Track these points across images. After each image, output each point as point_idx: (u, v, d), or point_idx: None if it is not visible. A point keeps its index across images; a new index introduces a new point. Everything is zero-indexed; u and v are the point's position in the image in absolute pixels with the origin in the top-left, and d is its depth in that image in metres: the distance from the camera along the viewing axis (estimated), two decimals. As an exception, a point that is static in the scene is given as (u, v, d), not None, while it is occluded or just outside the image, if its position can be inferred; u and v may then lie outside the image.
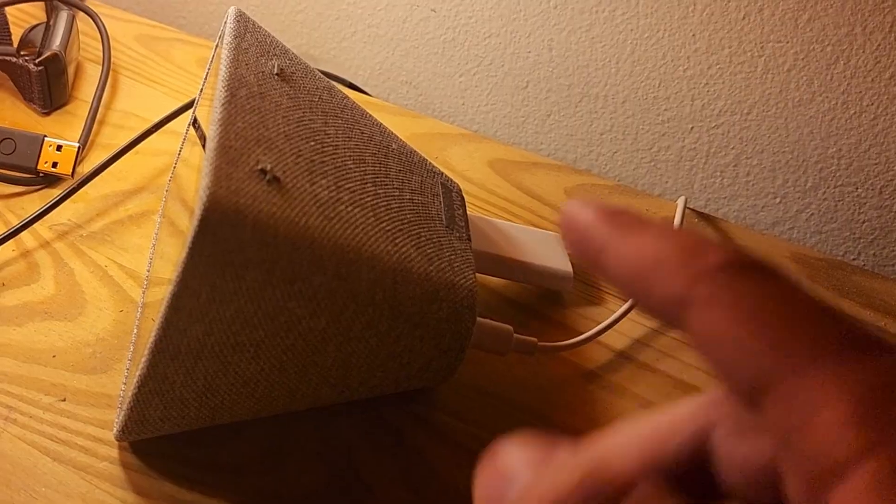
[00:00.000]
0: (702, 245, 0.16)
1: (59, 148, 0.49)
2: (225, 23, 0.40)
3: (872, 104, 0.55)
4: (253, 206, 0.31)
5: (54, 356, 0.40)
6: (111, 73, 0.60)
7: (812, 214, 0.60)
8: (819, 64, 0.55)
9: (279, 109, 0.36)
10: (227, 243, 0.30)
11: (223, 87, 0.35)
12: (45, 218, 0.45)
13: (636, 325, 0.45)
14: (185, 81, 0.60)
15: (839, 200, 0.59)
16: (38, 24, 0.57)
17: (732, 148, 0.60)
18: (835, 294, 0.49)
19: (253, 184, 0.32)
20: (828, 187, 0.59)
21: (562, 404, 0.41)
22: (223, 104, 0.34)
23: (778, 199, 0.61)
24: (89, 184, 0.48)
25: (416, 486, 0.37)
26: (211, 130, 0.33)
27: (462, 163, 0.56)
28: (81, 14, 0.61)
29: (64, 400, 0.38)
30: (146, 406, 0.34)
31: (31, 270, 0.44)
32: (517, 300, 0.46)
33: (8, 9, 0.58)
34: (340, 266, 0.33)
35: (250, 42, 0.39)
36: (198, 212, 0.30)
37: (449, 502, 0.36)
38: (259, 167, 0.32)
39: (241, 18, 0.41)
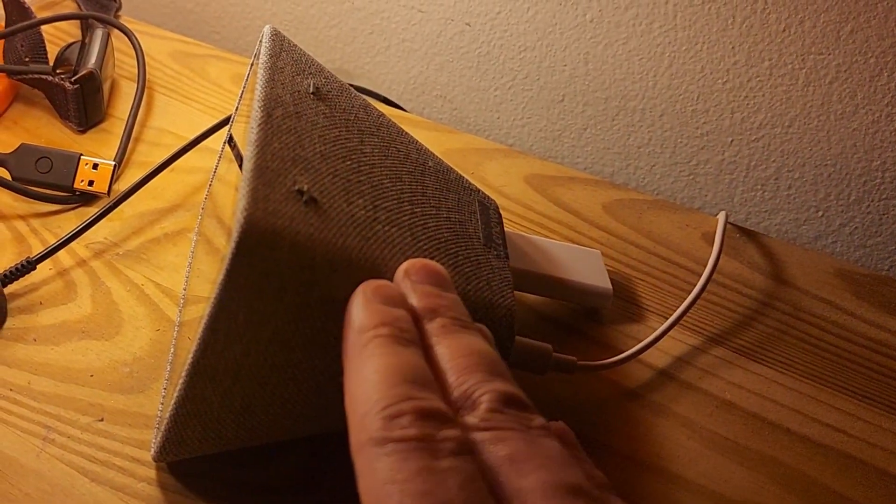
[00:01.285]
0: None
1: (95, 166, 0.49)
2: (260, 41, 0.40)
3: (917, 116, 0.54)
4: (290, 228, 0.31)
5: (92, 376, 0.39)
6: (146, 90, 0.60)
7: (856, 228, 0.59)
8: (862, 76, 0.54)
9: (315, 129, 0.36)
10: (264, 265, 0.30)
11: (259, 108, 0.35)
12: (81, 236, 0.45)
13: (677, 343, 0.45)
14: (220, 98, 0.60)
15: (884, 213, 0.58)
16: (73, 42, 0.57)
17: (773, 161, 0.59)
18: (882, 311, 0.48)
19: (290, 205, 0.31)
20: (872, 200, 0.58)
21: (602, 424, 0.40)
22: (259, 124, 0.34)
23: (820, 213, 0.60)
24: (125, 202, 0.48)
25: (454, 509, 0.36)
26: (248, 151, 0.33)
27: (498, 178, 0.55)
28: (116, 32, 0.61)
29: (102, 420, 0.38)
30: (184, 427, 0.33)
31: (68, 289, 0.44)
32: (556, 318, 0.45)
33: (44, 27, 0.59)
34: (378, 287, 0.32)
35: (286, 61, 0.39)
36: (235, 234, 0.29)
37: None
38: (296, 188, 0.32)
39: (277, 37, 0.41)
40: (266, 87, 0.36)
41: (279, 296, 0.31)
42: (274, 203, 0.31)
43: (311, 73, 0.40)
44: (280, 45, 0.40)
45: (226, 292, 0.30)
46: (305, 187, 0.32)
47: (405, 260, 0.34)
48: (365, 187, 0.36)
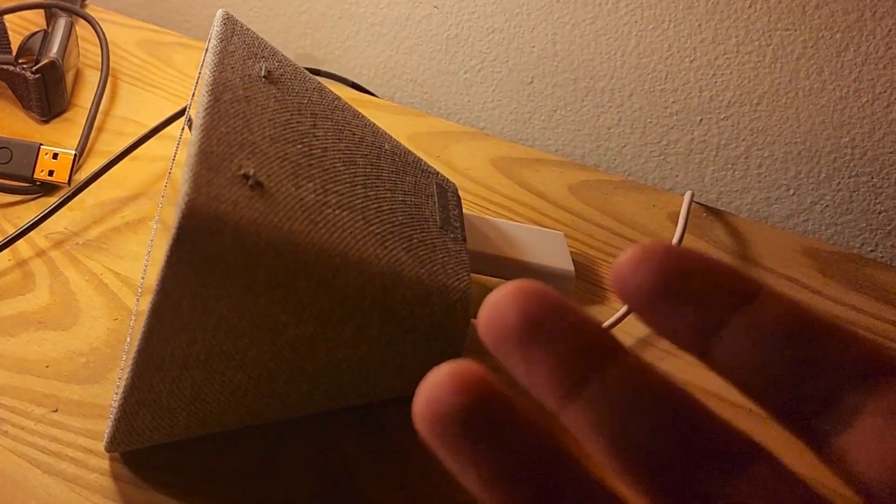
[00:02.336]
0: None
1: (55, 156, 0.49)
2: (213, 26, 0.40)
3: (885, 91, 0.53)
4: (233, 213, 0.30)
5: (47, 366, 0.39)
6: (111, 79, 0.59)
7: (827, 206, 0.59)
8: (829, 51, 0.53)
9: (265, 112, 0.36)
10: (206, 250, 0.30)
11: (207, 92, 0.34)
12: (41, 227, 0.45)
13: (639, 325, 0.44)
14: (186, 86, 0.59)
15: (854, 191, 0.58)
16: (36, 32, 0.57)
17: (743, 140, 0.59)
18: (847, 288, 0.48)
19: (234, 189, 0.31)
20: (842, 178, 0.57)
21: (562, 407, 0.40)
22: (206, 109, 0.33)
23: (791, 191, 0.59)
24: (86, 191, 0.47)
25: (412, 494, 0.36)
26: (193, 136, 0.32)
27: (464, 161, 0.55)
28: (82, 21, 0.60)
29: (56, 411, 0.37)
30: (134, 417, 0.33)
31: (27, 280, 0.43)
32: (517, 301, 0.45)
33: (7, 17, 0.58)
34: (326, 271, 0.32)
35: (237, 45, 0.39)
36: (176, 219, 0.29)
37: (445, 510, 0.36)
38: (241, 172, 0.32)
39: (229, 21, 0.40)
40: (215, 70, 0.36)
41: (223, 281, 0.30)
42: (217, 188, 0.31)
43: (263, 57, 0.39)
44: (232, 28, 0.40)
45: (169, 279, 0.30)
46: (251, 171, 0.32)
47: (356, 244, 0.34)
48: (315, 171, 0.35)
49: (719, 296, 0.16)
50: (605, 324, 0.42)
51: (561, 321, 0.16)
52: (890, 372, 0.15)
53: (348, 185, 0.36)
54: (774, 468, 0.16)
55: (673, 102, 0.59)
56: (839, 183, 0.58)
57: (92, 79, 0.59)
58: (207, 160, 0.31)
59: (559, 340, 0.16)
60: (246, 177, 0.32)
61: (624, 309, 0.43)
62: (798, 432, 0.16)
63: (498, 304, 0.16)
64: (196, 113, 0.34)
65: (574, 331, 0.16)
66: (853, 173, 0.57)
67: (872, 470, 0.15)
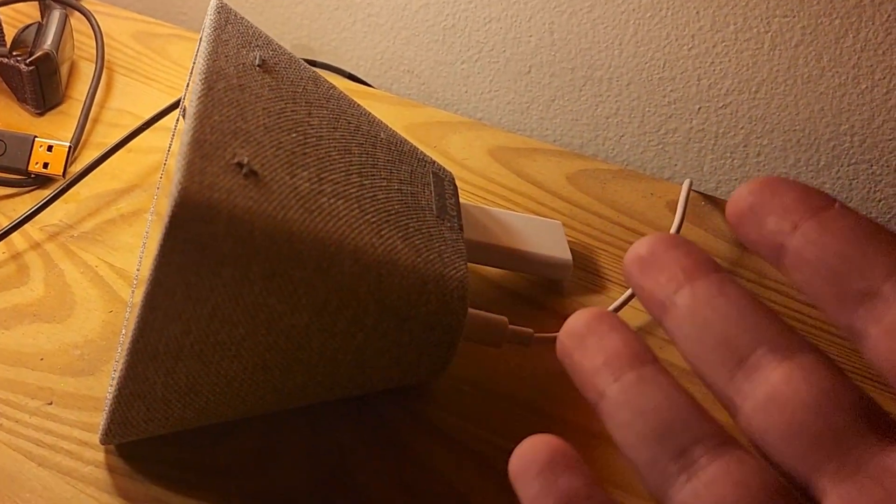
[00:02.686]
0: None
1: (49, 148, 0.48)
2: (206, 15, 0.39)
3: (885, 78, 0.53)
4: (227, 201, 0.30)
5: (42, 359, 0.39)
6: (106, 71, 0.59)
7: (826, 194, 0.59)
8: (828, 38, 0.53)
9: (259, 101, 0.35)
10: (200, 239, 0.29)
11: (200, 81, 0.34)
12: (35, 219, 0.45)
13: (638, 314, 0.44)
14: (181, 77, 0.59)
15: (853, 179, 0.57)
16: (30, 24, 0.57)
17: (742, 128, 0.59)
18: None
19: (228, 178, 0.31)
20: (841, 165, 0.57)
21: (560, 397, 0.40)
22: (199, 97, 0.33)
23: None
24: (81, 183, 0.47)
25: (409, 484, 0.36)
26: (186, 125, 0.32)
27: (462, 151, 0.54)
28: (77, 13, 0.60)
29: (51, 403, 0.37)
30: (128, 408, 0.33)
31: (21, 272, 0.43)
32: (514, 290, 0.45)
33: (1, 9, 0.58)
34: (321, 260, 0.32)
35: (231, 33, 0.38)
36: (169, 208, 0.29)
37: (444, 500, 0.35)
38: (235, 161, 0.32)
39: (223, 10, 0.40)
40: (209, 59, 0.36)
41: (217, 271, 0.30)
42: (211, 176, 0.30)
43: (257, 46, 0.39)
44: (226, 17, 0.39)
45: (162, 268, 0.29)
46: (245, 160, 0.32)
47: (351, 233, 0.33)
48: (310, 160, 0.35)
49: (796, 207, 0.18)
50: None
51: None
52: None
53: (343, 173, 0.36)
54: (819, 359, 0.18)
55: (671, 91, 0.59)
56: (838, 171, 0.57)
57: (87, 71, 0.59)
58: (201, 148, 0.31)
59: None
60: (240, 165, 0.31)
61: (624, 296, 0.43)
62: (843, 325, 0.18)
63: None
64: (190, 101, 0.34)
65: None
66: (852, 161, 0.56)
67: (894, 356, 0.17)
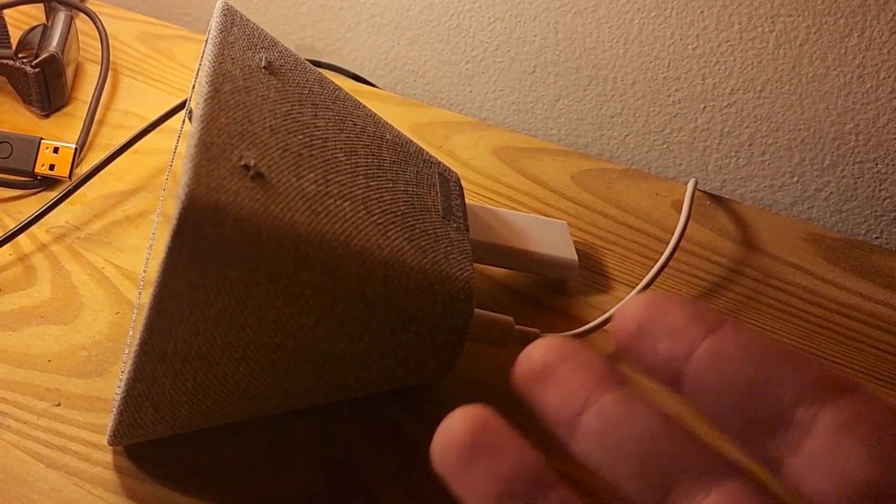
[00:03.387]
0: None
1: (55, 150, 0.48)
2: (212, 17, 0.40)
3: (890, 77, 0.53)
4: (234, 203, 0.30)
5: (49, 361, 0.39)
6: (112, 73, 0.59)
7: (831, 193, 0.59)
8: (832, 37, 0.53)
9: (266, 103, 0.35)
10: (207, 242, 0.29)
11: (207, 83, 0.34)
12: (42, 221, 0.45)
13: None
14: (187, 79, 0.59)
15: (858, 177, 0.57)
16: (36, 26, 0.57)
17: (746, 127, 0.59)
18: (852, 275, 0.48)
19: (235, 180, 0.31)
20: (846, 164, 0.57)
21: (566, 396, 0.40)
22: (206, 100, 0.33)
23: (795, 179, 0.59)
24: (87, 185, 0.47)
25: (416, 485, 0.36)
26: (192, 127, 0.32)
27: (466, 151, 0.54)
28: (82, 15, 0.60)
29: (58, 405, 0.37)
30: (136, 410, 0.33)
31: (28, 274, 0.43)
32: (520, 290, 0.45)
33: (6, 11, 0.58)
34: (328, 261, 0.32)
35: (237, 35, 0.38)
36: (176, 210, 0.29)
37: (450, 500, 0.35)
38: (242, 163, 0.32)
39: (229, 12, 0.40)
40: (215, 61, 0.36)
41: (224, 273, 0.30)
42: (217, 178, 0.30)
43: (263, 48, 0.39)
44: (232, 19, 0.40)
45: (169, 270, 0.30)
46: (252, 162, 0.32)
47: (358, 234, 0.33)
48: (317, 161, 0.35)
49: (688, 329, 0.17)
50: (608, 314, 0.42)
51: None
52: (838, 389, 0.16)
53: (350, 175, 0.36)
54: (748, 483, 0.17)
55: (676, 90, 0.59)
56: (843, 170, 0.57)
57: (92, 73, 0.59)
58: (208, 151, 0.31)
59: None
60: (247, 167, 0.31)
61: (629, 297, 0.43)
62: (757, 455, 0.17)
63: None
64: (196, 104, 0.34)
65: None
66: (857, 160, 0.56)
67: (823, 486, 0.16)
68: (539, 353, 0.19)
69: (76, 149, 0.49)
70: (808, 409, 0.16)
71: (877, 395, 0.16)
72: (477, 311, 0.37)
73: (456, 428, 0.19)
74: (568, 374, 0.19)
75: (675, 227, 0.47)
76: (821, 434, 0.16)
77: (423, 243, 0.36)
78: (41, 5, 0.63)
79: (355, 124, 0.40)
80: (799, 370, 0.17)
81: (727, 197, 0.53)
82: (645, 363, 0.18)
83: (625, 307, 0.18)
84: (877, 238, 0.59)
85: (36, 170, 0.48)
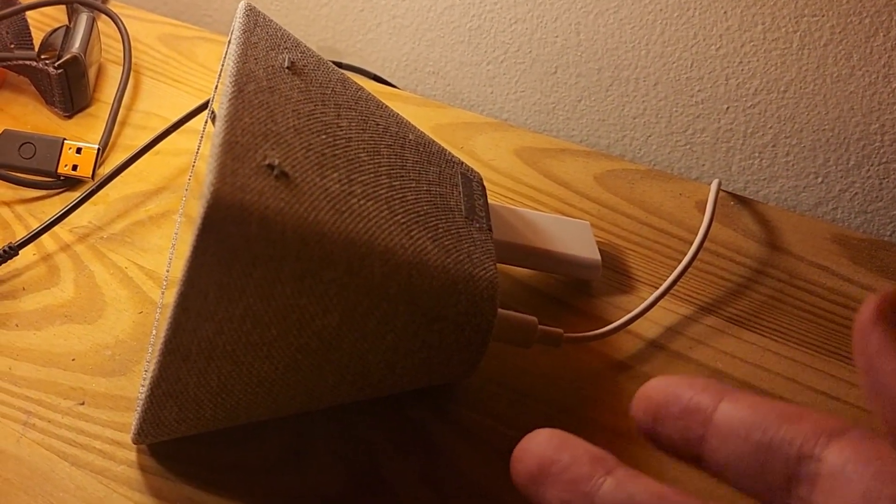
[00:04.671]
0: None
1: (78, 150, 0.49)
2: (235, 18, 0.40)
3: (915, 76, 0.52)
4: (259, 203, 0.30)
5: (73, 359, 0.39)
6: (133, 74, 0.59)
7: (856, 194, 0.58)
8: (857, 37, 0.53)
9: (289, 103, 0.35)
10: (232, 241, 0.29)
11: (231, 83, 0.34)
12: (65, 221, 0.45)
13: (668, 313, 0.44)
14: (208, 80, 0.59)
15: (884, 178, 0.57)
16: (58, 28, 0.57)
17: (770, 127, 0.58)
18: (878, 276, 0.47)
19: (260, 179, 0.31)
20: (871, 165, 0.57)
21: (590, 398, 0.40)
22: (230, 99, 0.33)
23: (820, 179, 0.59)
24: (110, 186, 0.47)
25: (439, 485, 0.36)
26: (217, 126, 0.32)
27: (488, 152, 0.54)
28: (104, 16, 0.60)
29: (83, 403, 0.37)
30: (160, 408, 0.33)
31: (52, 274, 0.43)
32: (543, 291, 0.45)
33: (30, 13, 0.58)
34: (352, 261, 0.32)
35: (260, 36, 0.39)
36: (201, 209, 0.29)
37: (472, 500, 0.35)
38: (266, 162, 0.32)
39: (252, 13, 0.40)
40: (238, 62, 0.36)
41: (249, 271, 0.30)
42: (242, 178, 0.30)
43: (286, 48, 0.39)
44: (255, 20, 0.40)
45: (194, 269, 0.30)
46: (276, 161, 0.32)
47: (381, 233, 0.33)
48: (340, 161, 0.35)
49: (697, 407, 0.19)
50: (632, 314, 0.42)
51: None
52: (837, 434, 0.17)
53: (373, 174, 0.36)
54: None
55: (699, 91, 0.59)
56: (869, 170, 0.57)
57: (114, 74, 0.59)
58: (232, 150, 0.31)
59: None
60: (271, 167, 0.31)
61: (652, 297, 0.43)
62: None
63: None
64: (220, 104, 0.34)
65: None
66: (883, 160, 0.56)
67: None
68: (535, 455, 0.20)
69: (99, 149, 0.49)
70: (811, 462, 0.17)
71: (867, 432, 0.17)
72: (500, 311, 0.37)
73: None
74: (564, 469, 0.19)
75: (699, 228, 0.47)
76: (824, 483, 0.17)
77: (447, 243, 0.36)
78: (63, 7, 0.63)
79: (378, 124, 0.40)
80: (797, 426, 0.18)
81: (751, 198, 0.53)
82: (669, 449, 0.19)
83: (638, 397, 0.20)
84: (902, 239, 0.58)
85: (59, 170, 0.48)
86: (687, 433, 0.19)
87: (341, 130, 0.37)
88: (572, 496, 0.19)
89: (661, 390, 0.19)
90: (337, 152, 0.35)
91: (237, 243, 0.30)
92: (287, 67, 0.38)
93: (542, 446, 0.20)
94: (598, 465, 0.19)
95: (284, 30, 0.41)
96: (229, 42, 0.39)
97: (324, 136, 0.35)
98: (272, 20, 0.41)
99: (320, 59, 0.41)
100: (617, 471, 0.18)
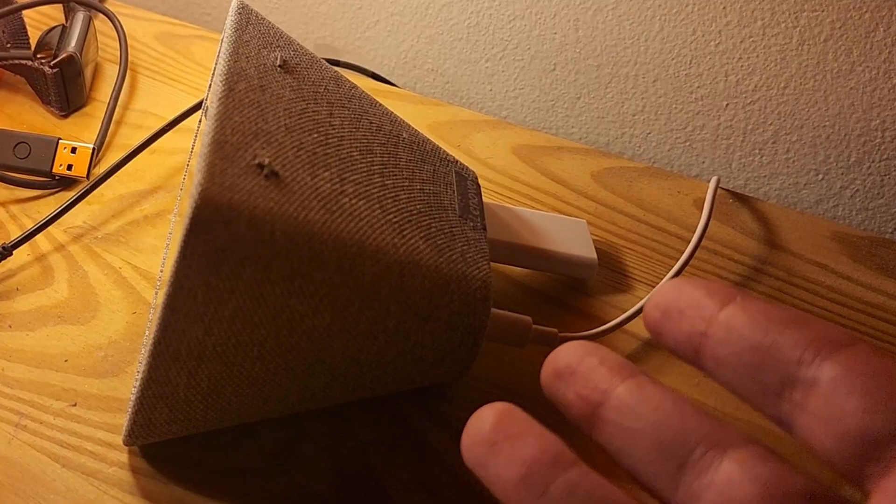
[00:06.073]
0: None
1: (73, 150, 0.48)
2: (227, 16, 0.39)
3: (916, 72, 0.52)
4: (248, 202, 0.30)
5: (66, 361, 0.39)
6: (130, 72, 0.59)
7: (857, 191, 0.58)
8: (857, 32, 0.52)
9: (280, 102, 0.35)
10: (221, 241, 0.29)
11: (221, 82, 0.34)
12: (59, 221, 0.45)
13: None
14: (205, 79, 0.59)
15: (885, 175, 0.56)
16: (54, 27, 0.57)
17: (770, 124, 0.58)
18: (878, 273, 0.47)
19: (249, 179, 0.31)
20: (872, 161, 0.56)
21: (586, 397, 0.39)
22: (220, 98, 0.33)
23: (820, 176, 0.58)
24: (105, 185, 0.47)
25: (432, 486, 0.35)
26: (207, 126, 0.32)
27: (485, 150, 0.54)
28: (100, 15, 0.60)
29: (75, 405, 0.37)
30: (151, 409, 0.33)
31: (46, 274, 0.43)
32: (538, 289, 0.44)
33: (26, 12, 0.58)
34: (343, 260, 0.32)
35: (252, 34, 0.38)
36: (189, 209, 0.29)
37: (466, 501, 0.35)
38: (256, 162, 0.31)
39: (244, 10, 0.40)
40: (229, 60, 0.35)
41: (238, 272, 0.30)
42: (231, 177, 0.30)
43: (278, 46, 0.39)
44: (247, 18, 0.39)
45: (182, 269, 0.29)
46: (267, 160, 0.32)
47: (373, 233, 0.33)
48: (332, 160, 0.35)
49: (703, 307, 0.19)
50: (628, 313, 0.41)
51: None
52: (836, 345, 0.17)
53: (365, 174, 0.36)
54: (757, 450, 0.18)
55: (698, 87, 0.58)
56: (869, 167, 0.56)
57: (110, 73, 0.59)
58: (222, 150, 0.31)
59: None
60: (261, 166, 0.31)
61: (649, 296, 0.42)
62: (773, 418, 0.18)
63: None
64: (210, 102, 0.34)
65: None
66: (884, 157, 0.55)
67: (824, 440, 0.17)
68: (562, 355, 0.21)
69: (94, 149, 0.49)
70: (810, 367, 0.17)
71: (875, 348, 0.17)
72: (494, 310, 0.37)
73: (484, 419, 0.20)
74: (587, 373, 0.20)
75: (697, 226, 0.47)
76: (821, 390, 0.17)
77: (440, 242, 0.36)
78: (60, 6, 0.63)
79: (371, 122, 0.39)
80: (801, 332, 0.18)
81: (751, 195, 0.52)
82: (672, 344, 0.19)
83: (653, 295, 0.20)
84: (904, 236, 0.58)
85: (54, 170, 0.48)
86: (690, 328, 0.19)
87: (333, 129, 0.37)
88: (590, 392, 0.20)
89: (675, 287, 0.20)
90: (329, 151, 0.35)
91: (226, 243, 0.29)
92: (279, 66, 0.37)
93: (571, 352, 0.21)
94: (620, 370, 0.20)
95: (277, 27, 0.41)
96: (222, 40, 0.39)
97: (315, 135, 0.35)
98: (265, 18, 0.40)
99: (313, 57, 0.41)
100: (638, 376, 0.20)
